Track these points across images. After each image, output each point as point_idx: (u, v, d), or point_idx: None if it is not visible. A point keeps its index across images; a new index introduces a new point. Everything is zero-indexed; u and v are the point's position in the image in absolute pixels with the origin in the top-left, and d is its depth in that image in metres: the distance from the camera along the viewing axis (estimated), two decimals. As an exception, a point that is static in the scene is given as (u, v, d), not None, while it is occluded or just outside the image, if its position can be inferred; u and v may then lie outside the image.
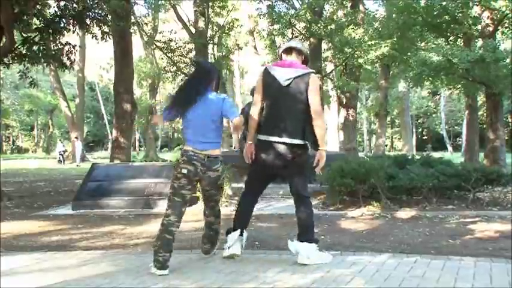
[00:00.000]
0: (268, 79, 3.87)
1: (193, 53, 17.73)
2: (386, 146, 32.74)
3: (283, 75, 3.79)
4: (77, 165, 24.99)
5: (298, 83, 3.77)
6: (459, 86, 16.36)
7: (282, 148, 3.75)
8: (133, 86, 16.45)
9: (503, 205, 6.98)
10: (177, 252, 4.26)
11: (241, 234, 3.84)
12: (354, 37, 14.94)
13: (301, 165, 3.83)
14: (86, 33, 10.64)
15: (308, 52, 4.34)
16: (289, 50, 3.99)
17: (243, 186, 4.15)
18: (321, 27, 14.88)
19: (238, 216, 3.96)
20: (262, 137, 3.86)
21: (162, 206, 7.38)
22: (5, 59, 9.37)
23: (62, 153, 27.77)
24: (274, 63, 4.10)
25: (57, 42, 9.95)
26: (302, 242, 3.73)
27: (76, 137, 27.27)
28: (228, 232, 3.91)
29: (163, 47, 18.02)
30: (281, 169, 3.84)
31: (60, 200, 8.95)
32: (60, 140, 30.96)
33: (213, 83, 3.81)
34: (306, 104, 3.76)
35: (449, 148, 41.76)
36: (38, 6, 9.25)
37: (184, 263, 3.82)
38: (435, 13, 14.31)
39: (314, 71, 3.93)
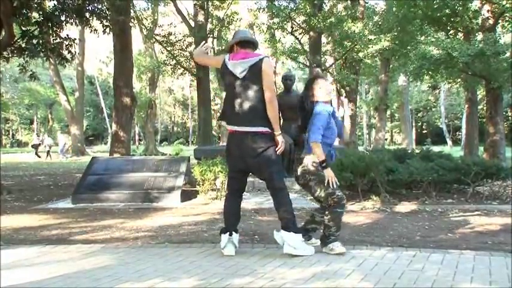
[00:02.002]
0: None
1: (193, 46, 17.70)
2: (385, 140, 32.68)
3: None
4: (62, 159, 24.51)
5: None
6: (459, 79, 16.36)
7: (246, 138, 3.75)
8: (133, 79, 16.41)
9: (502, 199, 7.00)
10: (176, 245, 4.28)
11: (231, 235, 3.84)
12: (354, 31, 14.91)
13: (271, 155, 3.76)
14: (86, 27, 10.62)
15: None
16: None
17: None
18: (321, 20, 14.85)
19: (225, 217, 3.96)
20: (229, 127, 3.88)
21: (161, 200, 7.40)
22: (5, 53, 9.35)
23: (36, 146, 26.84)
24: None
25: (57, 36, 9.93)
26: (289, 232, 3.71)
27: (62, 131, 26.48)
28: (221, 232, 3.92)
29: (163, 41, 18.03)
30: (251, 161, 3.79)
31: (60, 194, 8.96)
32: (37, 134, 29.89)
33: None
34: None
35: (449, 142, 41.73)
36: (37, -1, 9.23)
37: (184, 256, 3.82)
38: (435, 7, 14.28)
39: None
